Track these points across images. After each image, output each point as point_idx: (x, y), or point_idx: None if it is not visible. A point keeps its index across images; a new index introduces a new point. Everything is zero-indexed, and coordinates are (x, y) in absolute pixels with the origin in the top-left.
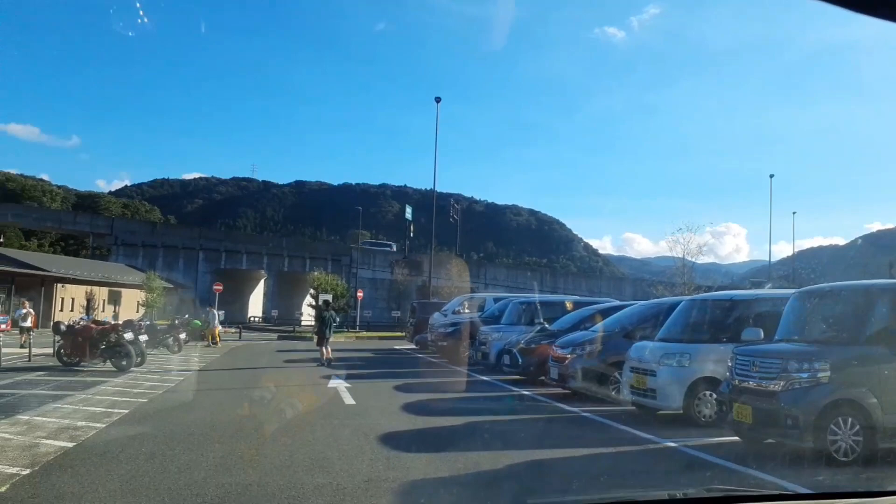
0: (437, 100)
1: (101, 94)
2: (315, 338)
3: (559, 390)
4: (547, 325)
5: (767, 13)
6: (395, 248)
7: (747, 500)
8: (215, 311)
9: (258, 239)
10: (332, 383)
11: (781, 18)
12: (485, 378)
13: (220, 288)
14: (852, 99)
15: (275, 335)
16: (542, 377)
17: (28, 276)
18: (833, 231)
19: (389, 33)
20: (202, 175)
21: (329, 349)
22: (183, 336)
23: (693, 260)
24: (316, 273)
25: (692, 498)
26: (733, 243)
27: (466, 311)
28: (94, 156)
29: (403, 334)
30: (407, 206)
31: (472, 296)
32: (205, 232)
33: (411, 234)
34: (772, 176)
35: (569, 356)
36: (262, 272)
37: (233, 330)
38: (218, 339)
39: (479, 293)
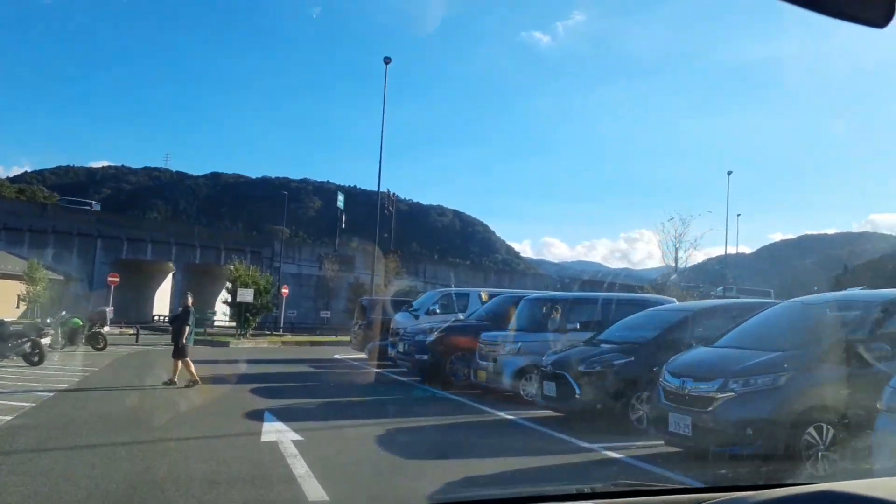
0: (387, 61)
1: None
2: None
3: (661, 448)
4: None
5: (688, 26)
6: (98, 207)
7: (652, 493)
8: None
9: (166, 227)
10: (268, 431)
11: (702, 32)
12: (508, 416)
13: (117, 280)
14: (762, 114)
15: None
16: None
17: None
18: (739, 240)
19: (315, 24)
20: (111, 164)
21: (191, 365)
22: (47, 341)
23: (684, 261)
24: (234, 265)
25: (599, 492)
26: (645, 249)
27: (438, 311)
28: None
29: (347, 339)
30: (339, 193)
31: (449, 290)
32: (104, 217)
33: (343, 226)
34: (730, 173)
35: (718, 396)
36: (170, 264)
37: (130, 331)
38: None
39: (457, 288)
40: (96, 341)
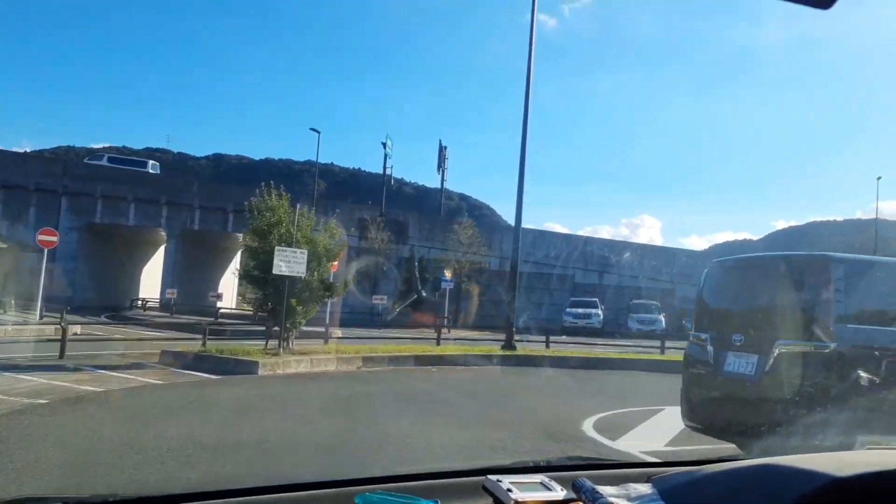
0: None
1: None
2: None
3: None
4: None
5: (691, 9)
6: (157, 170)
7: (604, 467)
8: None
9: (154, 180)
10: None
11: (703, 16)
12: None
13: (53, 241)
14: (763, 100)
15: (160, 337)
16: None
17: None
18: (742, 227)
19: (317, 5)
20: (112, 145)
21: None
22: None
23: None
24: (266, 196)
25: (555, 465)
26: (647, 235)
27: None
28: None
29: (455, 350)
30: (387, 137)
31: None
32: (71, 168)
33: (392, 182)
34: None
35: None
36: (161, 232)
37: (77, 328)
38: None
39: None
40: None
